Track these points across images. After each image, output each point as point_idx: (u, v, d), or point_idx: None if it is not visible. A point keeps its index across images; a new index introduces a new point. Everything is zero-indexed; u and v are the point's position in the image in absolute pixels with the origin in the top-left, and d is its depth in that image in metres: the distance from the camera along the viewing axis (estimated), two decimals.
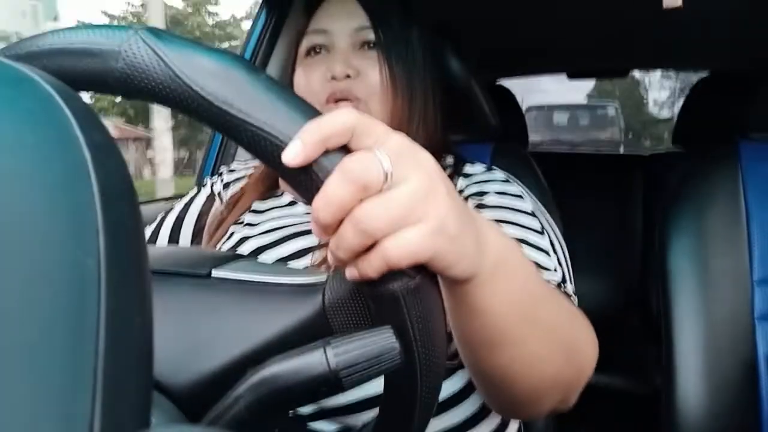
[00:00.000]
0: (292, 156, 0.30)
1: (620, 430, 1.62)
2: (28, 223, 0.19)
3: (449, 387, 0.61)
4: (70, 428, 0.17)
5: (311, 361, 0.33)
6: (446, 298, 0.39)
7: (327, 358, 0.32)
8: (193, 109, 0.31)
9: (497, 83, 1.95)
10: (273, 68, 1.27)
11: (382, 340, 0.32)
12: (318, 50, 0.71)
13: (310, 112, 0.31)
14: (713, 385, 0.85)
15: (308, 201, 0.31)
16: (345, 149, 0.31)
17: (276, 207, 0.74)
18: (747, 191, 0.89)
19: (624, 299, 1.89)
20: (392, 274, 0.31)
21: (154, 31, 0.32)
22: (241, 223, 0.73)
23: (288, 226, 0.69)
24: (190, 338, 0.35)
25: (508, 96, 1.78)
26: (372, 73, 0.68)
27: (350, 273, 0.32)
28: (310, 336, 0.34)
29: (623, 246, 1.91)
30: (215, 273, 0.38)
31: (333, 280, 0.36)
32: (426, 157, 0.33)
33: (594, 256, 1.85)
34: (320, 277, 0.37)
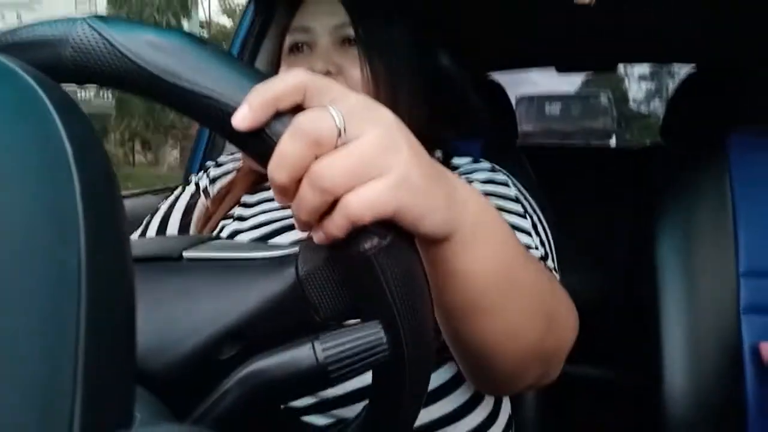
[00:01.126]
0: (240, 120, 0.29)
1: (607, 421, 1.64)
2: (7, 217, 0.18)
3: (439, 378, 0.61)
4: (49, 426, 0.17)
5: (299, 355, 0.32)
6: (425, 263, 0.37)
7: (315, 353, 0.32)
8: (143, 87, 0.31)
9: (487, 77, 1.95)
10: (261, 65, 1.26)
11: (370, 335, 0.32)
12: (300, 47, 0.71)
13: (259, 76, 0.31)
14: (699, 376, 0.86)
15: (264, 166, 0.31)
16: (299, 110, 0.30)
17: (266, 200, 0.73)
18: (734, 184, 0.90)
19: (612, 292, 1.90)
20: (362, 234, 0.31)
21: (100, 17, 0.32)
22: (231, 216, 0.72)
23: (279, 219, 0.69)
24: (165, 321, 0.34)
25: (498, 89, 1.79)
26: (353, 71, 0.67)
27: (317, 237, 0.31)
28: (287, 309, 0.34)
29: (611, 239, 1.93)
30: (186, 254, 0.37)
31: (305, 250, 0.35)
32: (386, 114, 0.32)
33: (582, 248, 1.86)
34: (292, 249, 0.36)
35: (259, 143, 0.30)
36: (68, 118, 0.22)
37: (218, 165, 0.83)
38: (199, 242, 0.39)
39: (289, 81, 0.30)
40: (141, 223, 0.79)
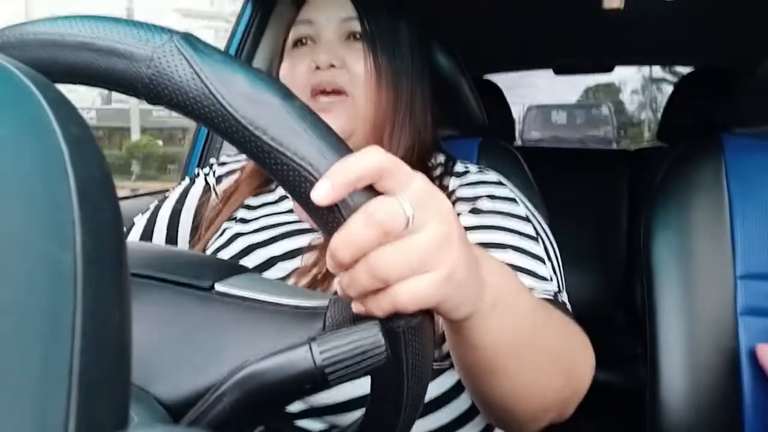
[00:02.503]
0: (321, 197, 0.30)
1: (604, 423, 1.64)
2: (1, 217, 0.18)
3: (437, 387, 0.61)
4: (43, 428, 0.17)
5: (296, 357, 0.32)
6: (446, 332, 0.41)
7: (312, 355, 0.32)
8: (223, 129, 0.30)
9: (484, 78, 1.95)
10: (259, 62, 1.26)
11: (368, 337, 0.32)
12: (304, 41, 0.71)
13: (342, 147, 0.31)
14: (696, 378, 0.86)
15: (327, 234, 0.31)
16: (371, 188, 0.31)
17: (269, 203, 0.73)
18: (730, 186, 0.90)
19: (609, 294, 1.90)
20: (398, 314, 0.32)
21: (189, 40, 0.31)
22: (234, 218, 0.72)
23: (280, 224, 0.69)
24: (188, 353, 0.35)
25: (496, 90, 1.79)
26: (357, 65, 0.67)
27: (357, 308, 0.33)
28: None
29: (608, 240, 1.93)
30: (218, 287, 0.37)
31: (335, 306, 0.36)
32: (444, 201, 0.33)
33: (579, 250, 1.86)
34: (322, 302, 0.36)
35: (328, 214, 0.31)
36: (63, 117, 0.21)
37: (222, 164, 0.82)
38: (231, 273, 0.39)
39: (370, 162, 0.30)
40: (147, 209, 0.78)
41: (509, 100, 1.87)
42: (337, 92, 0.66)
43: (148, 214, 0.77)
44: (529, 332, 0.43)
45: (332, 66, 0.66)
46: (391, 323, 0.32)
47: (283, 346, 0.34)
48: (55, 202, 0.19)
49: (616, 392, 1.60)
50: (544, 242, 0.64)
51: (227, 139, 0.31)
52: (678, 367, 0.87)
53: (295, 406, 0.57)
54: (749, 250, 0.87)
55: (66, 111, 0.22)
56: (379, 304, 0.31)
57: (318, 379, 0.32)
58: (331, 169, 0.30)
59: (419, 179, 0.32)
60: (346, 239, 0.30)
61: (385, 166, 0.31)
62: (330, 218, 0.31)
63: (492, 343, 0.40)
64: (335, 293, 0.36)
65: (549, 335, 0.46)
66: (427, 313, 0.34)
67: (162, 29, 0.31)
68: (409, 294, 0.31)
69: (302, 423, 0.58)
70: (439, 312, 0.34)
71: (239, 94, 0.30)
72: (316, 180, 0.30)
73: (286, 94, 0.31)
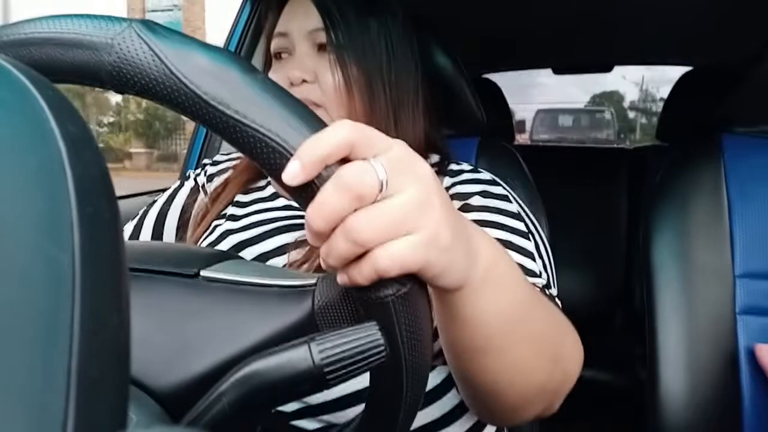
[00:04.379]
0: (291, 177, 0.30)
1: (604, 423, 1.64)
2: (0, 218, 0.18)
3: (428, 383, 0.61)
4: (41, 428, 0.16)
5: (296, 357, 0.32)
6: (435, 305, 0.40)
7: (311, 354, 0.32)
8: (187, 107, 0.30)
9: (483, 77, 1.95)
10: (258, 62, 1.26)
11: (367, 337, 0.32)
12: (282, 55, 0.70)
13: (308, 115, 0.31)
14: (695, 378, 0.86)
15: (304, 207, 0.31)
16: (344, 159, 0.31)
17: (259, 200, 0.73)
18: (729, 186, 0.90)
19: (608, 293, 1.90)
20: (384, 282, 0.32)
21: (148, 25, 0.31)
22: (224, 216, 0.72)
23: (271, 221, 0.68)
24: (177, 339, 0.35)
25: (495, 90, 1.78)
26: (327, 77, 0.65)
27: (341, 279, 0.32)
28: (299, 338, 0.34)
29: (608, 240, 1.93)
30: (204, 273, 0.37)
31: (323, 283, 0.35)
32: (424, 167, 0.33)
33: (579, 249, 1.86)
34: (310, 280, 0.36)
35: (302, 189, 0.31)
36: (62, 116, 0.21)
37: (215, 163, 0.82)
38: (216, 260, 0.39)
39: (339, 136, 0.30)
40: (136, 215, 0.78)
41: (521, 100, 1.88)
42: (313, 105, 0.65)
43: (135, 220, 0.78)
44: (519, 311, 0.43)
45: (305, 81, 0.65)
46: (378, 293, 0.32)
47: (273, 330, 0.33)
48: (54, 201, 0.19)
49: (616, 392, 1.60)
50: (535, 239, 0.63)
51: (192, 118, 0.31)
52: (677, 366, 0.87)
53: (291, 406, 0.57)
54: (748, 249, 0.87)
55: (64, 110, 0.22)
56: (360, 271, 0.31)
57: (317, 378, 0.32)
58: (300, 149, 0.30)
59: (398, 146, 0.32)
60: (318, 208, 0.30)
61: (355, 139, 0.30)
62: (305, 192, 0.31)
63: (482, 318, 0.40)
64: (324, 272, 0.36)
65: (539, 318, 0.46)
66: (418, 284, 0.33)
67: (122, 18, 0.31)
68: (389, 257, 0.30)
69: (297, 423, 0.58)
70: (425, 278, 0.33)
71: (199, 70, 0.30)
72: (285, 151, 0.30)
73: (247, 68, 0.31)
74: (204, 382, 0.34)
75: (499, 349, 0.43)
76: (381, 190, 0.30)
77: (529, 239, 0.62)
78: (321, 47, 0.67)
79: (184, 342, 0.34)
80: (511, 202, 0.66)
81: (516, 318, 0.42)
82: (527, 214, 0.67)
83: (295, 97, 0.32)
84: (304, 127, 0.30)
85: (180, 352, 0.34)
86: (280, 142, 0.30)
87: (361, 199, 0.30)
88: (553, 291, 0.61)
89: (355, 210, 0.30)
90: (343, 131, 0.30)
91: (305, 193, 0.30)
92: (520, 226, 0.63)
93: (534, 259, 0.60)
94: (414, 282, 0.33)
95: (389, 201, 0.30)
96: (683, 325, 0.87)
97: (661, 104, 1.73)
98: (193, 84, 0.30)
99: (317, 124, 0.31)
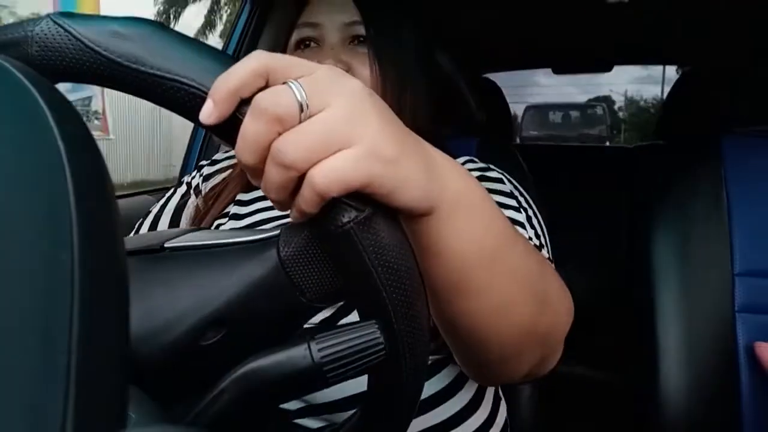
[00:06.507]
0: (206, 115, 0.29)
1: (603, 421, 1.64)
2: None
3: (435, 384, 0.61)
4: (41, 428, 0.17)
5: (295, 355, 0.32)
6: (410, 239, 0.36)
7: (311, 353, 0.32)
8: (107, 76, 0.31)
9: (483, 76, 1.95)
10: None
11: (366, 335, 0.32)
12: (308, 43, 0.71)
13: (222, 57, 0.31)
14: (695, 376, 0.86)
15: (234, 148, 0.31)
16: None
17: (261, 198, 0.73)
18: (728, 185, 0.90)
19: (608, 291, 1.90)
20: (338, 209, 0.30)
21: (65, 14, 0.32)
22: (227, 215, 0.72)
23: (275, 218, 0.68)
24: (147, 312, 0.34)
25: (495, 89, 1.79)
26: (362, 70, 0.67)
27: (292, 215, 0.31)
28: (271, 292, 0.34)
29: (607, 239, 1.93)
30: (168, 245, 0.37)
31: (286, 232, 0.35)
32: (352, 83, 0.31)
33: (578, 249, 1.86)
34: (273, 232, 0.36)
35: (229, 128, 0.30)
36: (61, 117, 0.21)
37: (213, 163, 0.82)
38: (182, 233, 0.38)
39: (249, 66, 0.29)
40: (134, 225, 0.78)
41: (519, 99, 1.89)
42: None
43: (132, 234, 0.77)
44: (496, 243, 0.39)
45: None
46: (336, 222, 0.31)
47: (243, 285, 0.33)
48: (53, 201, 0.19)
49: (615, 391, 1.60)
50: (527, 213, 0.63)
51: (117, 86, 0.31)
52: (676, 364, 0.87)
53: (294, 405, 0.57)
54: (747, 247, 0.87)
55: (64, 110, 0.22)
56: (303, 197, 0.30)
57: (317, 377, 0.32)
58: (212, 87, 0.29)
59: (324, 69, 0.31)
60: (243, 143, 0.29)
61: (269, 65, 0.30)
62: (233, 132, 0.30)
63: (456, 250, 0.37)
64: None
65: (519, 253, 0.42)
66: (380, 209, 0.31)
67: (44, 16, 0.32)
68: (324, 174, 0.29)
69: (301, 421, 0.58)
70: (379, 197, 0.31)
71: (111, 36, 0.31)
72: (203, 93, 0.30)
73: (159, 27, 0.32)
74: (181, 350, 0.33)
75: (478, 287, 0.40)
76: (302, 111, 0.29)
77: (520, 212, 0.62)
78: (353, 40, 0.69)
79: (154, 312, 0.34)
80: (504, 183, 0.66)
81: (493, 253, 0.39)
82: (521, 194, 0.67)
83: (207, 43, 0.32)
84: (217, 66, 0.30)
85: (152, 323, 0.33)
86: (196, 86, 0.30)
87: (280, 121, 0.29)
88: (547, 255, 0.59)
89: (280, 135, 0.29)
90: (253, 61, 0.30)
91: (234, 133, 0.30)
92: (512, 201, 0.63)
93: (524, 227, 0.60)
94: (374, 207, 0.31)
95: (314, 118, 0.29)
96: (683, 323, 0.87)
97: (650, 102, 1.73)
98: (108, 51, 0.30)
99: (231, 62, 0.31)
